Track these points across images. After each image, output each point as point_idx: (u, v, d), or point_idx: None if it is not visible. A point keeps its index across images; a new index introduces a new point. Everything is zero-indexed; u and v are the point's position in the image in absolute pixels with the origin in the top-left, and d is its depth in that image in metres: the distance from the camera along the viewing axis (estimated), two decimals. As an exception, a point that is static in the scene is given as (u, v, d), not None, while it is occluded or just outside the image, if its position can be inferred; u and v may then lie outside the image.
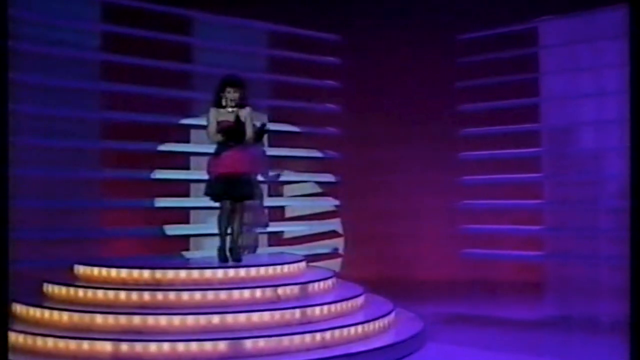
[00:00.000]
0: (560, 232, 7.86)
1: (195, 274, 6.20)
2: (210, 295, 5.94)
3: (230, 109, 6.59)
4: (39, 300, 6.10)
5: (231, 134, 6.56)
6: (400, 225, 9.62)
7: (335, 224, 9.49)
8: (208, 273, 6.23)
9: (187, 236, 7.95)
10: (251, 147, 6.75)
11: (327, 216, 9.46)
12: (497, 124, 8.38)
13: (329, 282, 6.75)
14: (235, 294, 6.01)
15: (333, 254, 9.38)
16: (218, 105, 6.62)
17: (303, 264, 6.98)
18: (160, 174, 7.78)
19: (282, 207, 9.09)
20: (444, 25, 8.96)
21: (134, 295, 5.89)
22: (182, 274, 6.18)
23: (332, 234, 9.50)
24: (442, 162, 9.10)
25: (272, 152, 8.53)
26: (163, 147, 7.78)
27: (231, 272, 6.30)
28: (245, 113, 6.65)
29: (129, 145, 7.65)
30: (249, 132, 6.66)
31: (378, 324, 6.29)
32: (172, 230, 7.85)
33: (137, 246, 7.66)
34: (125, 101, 7.56)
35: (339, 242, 9.52)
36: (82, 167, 7.38)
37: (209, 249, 7.16)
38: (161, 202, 7.81)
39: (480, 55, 8.32)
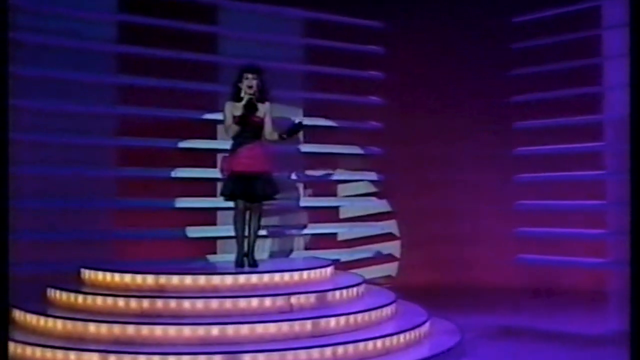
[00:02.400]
0: (625, 237, 7.14)
1: (202, 280, 5.88)
2: (214, 303, 5.60)
3: (246, 98, 6.29)
4: (43, 305, 5.92)
5: (244, 121, 6.25)
6: (454, 227, 9.09)
7: (389, 226, 9.05)
8: (216, 279, 5.90)
9: (214, 239, 7.66)
10: (270, 144, 6.46)
11: (381, 218, 9.04)
12: (556, 115, 7.87)
13: (355, 290, 6.30)
14: (242, 302, 5.64)
15: (380, 258, 8.91)
16: (236, 98, 6.35)
17: (329, 270, 6.57)
18: (181, 173, 7.52)
19: (335, 208, 8.75)
20: (497, 7, 8.43)
21: (133, 303, 5.62)
22: (188, 280, 5.87)
23: (388, 237, 9.07)
24: (496, 159, 8.55)
25: (307, 149, 8.24)
26: (185, 144, 7.53)
27: (241, 279, 5.95)
28: (264, 108, 6.37)
29: (148, 142, 7.42)
30: (268, 128, 6.39)
31: (404, 337, 5.80)
32: (194, 232, 7.58)
33: (160, 249, 7.38)
34: (143, 95, 7.34)
35: (394, 245, 9.08)
36: (98, 166, 7.21)
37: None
38: (183, 203, 7.56)
39: (537, 39, 7.81)
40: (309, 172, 8.35)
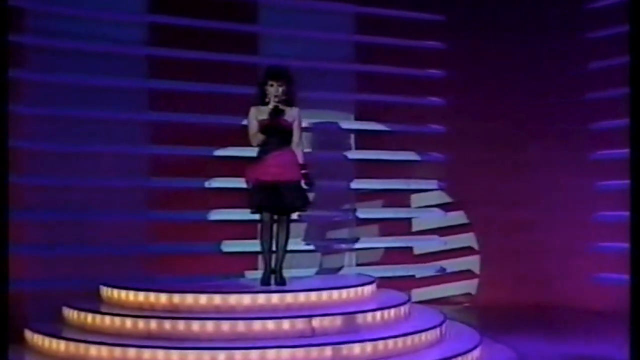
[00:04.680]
0: None
1: (217, 299, 5.60)
2: (226, 325, 5.29)
3: (272, 105, 6.06)
4: (58, 324, 5.79)
5: (271, 129, 6.00)
6: (531, 240, 8.44)
7: (468, 239, 8.53)
8: (233, 299, 5.60)
9: (253, 253, 7.35)
10: (299, 151, 6.16)
11: (458, 230, 8.54)
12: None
13: (392, 311, 5.84)
14: (257, 325, 5.30)
15: (446, 275, 8.39)
16: (261, 102, 6.12)
17: (367, 288, 6.17)
18: (217, 183, 7.28)
19: (409, 220, 8.34)
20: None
21: (141, 323, 5.39)
22: (203, 299, 5.61)
23: (466, 251, 8.55)
24: (573, 164, 7.86)
25: (358, 155, 7.88)
26: (221, 152, 7.30)
27: (261, 299, 5.64)
28: (293, 113, 6.11)
29: (181, 151, 7.22)
30: (297, 135, 6.12)
31: (441, 367, 5.33)
32: (230, 246, 7.31)
33: (197, 265, 7.14)
34: (176, 101, 7.17)
35: (473, 260, 8.55)
36: (128, 176, 7.07)
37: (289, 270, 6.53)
38: (219, 215, 7.31)
39: (615, 27, 7.15)
40: (362, 181, 7.96)
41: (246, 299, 5.60)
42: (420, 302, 7.79)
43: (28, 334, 5.67)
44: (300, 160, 6.13)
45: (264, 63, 7.33)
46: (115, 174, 6.99)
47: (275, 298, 5.65)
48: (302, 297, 5.71)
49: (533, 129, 8.35)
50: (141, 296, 5.74)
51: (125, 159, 7.07)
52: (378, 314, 5.71)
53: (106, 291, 6.03)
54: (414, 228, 8.36)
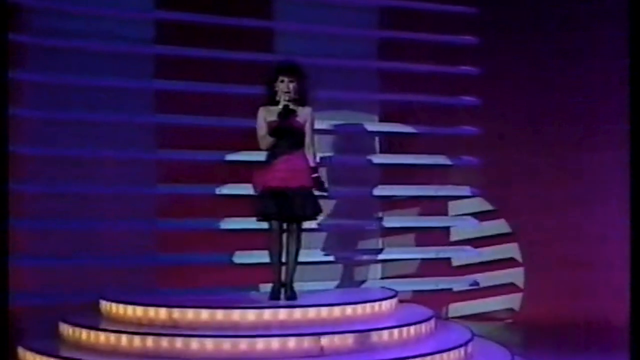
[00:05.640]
0: None
1: (220, 315, 5.31)
2: (227, 344, 4.99)
3: (282, 104, 5.79)
4: (53, 340, 5.56)
5: (281, 132, 5.74)
6: (579, 251, 7.95)
7: (511, 250, 8.13)
8: (236, 314, 5.30)
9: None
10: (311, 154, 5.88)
11: (501, 240, 8.13)
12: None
13: (412, 329, 5.48)
14: (260, 343, 4.98)
15: (481, 288, 7.99)
16: (271, 102, 5.85)
17: (387, 303, 5.83)
18: (229, 189, 6.98)
19: (447, 229, 7.97)
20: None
21: (137, 340, 5.12)
22: (204, 314, 5.32)
23: (509, 262, 8.15)
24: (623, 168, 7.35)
25: (383, 160, 7.55)
26: (233, 157, 7.01)
27: (267, 314, 5.33)
28: (305, 113, 5.83)
29: (190, 155, 6.97)
30: (309, 137, 5.85)
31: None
32: (243, 258, 7.00)
33: (208, 277, 6.86)
34: (185, 102, 6.91)
35: (518, 272, 8.15)
36: (134, 182, 6.81)
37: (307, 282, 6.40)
38: (230, 224, 7.00)
39: None
40: (388, 188, 7.62)
41: (251, 315, 5.30)
42: (457, 318, 7.53)
43: (21, 351, 5.44)
44: (312, 164, 5.85)
45: (277, 61, 7.11)
46: (119, 180, 6.74)
47: (282, 314, 5.34)
48: (311, 312, 5.39)
49: (579, 130, 7.88)
50: (139, 311, 5.48)
51: (130, 164, 6.81)
52: (395, 331, 5.34)
53: (105, 305, 5.79)
54: (452, 238, 7.96)
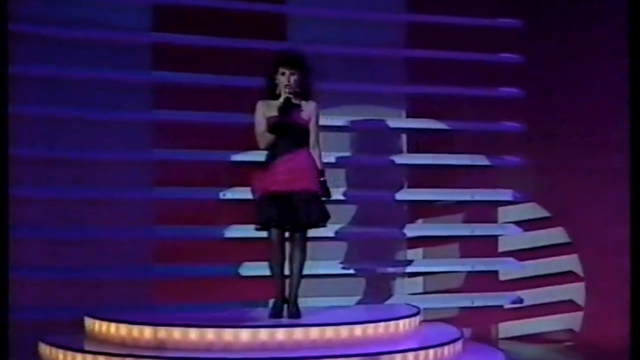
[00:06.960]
0: None
1: (210, 334, 4.89)
2: (216, 368, 4.56)
3: (282, 98, 5.47)
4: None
5: (282, 128, 5.42)
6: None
7: (570, 262, 7.54)
8: (228, 334, 4.87)
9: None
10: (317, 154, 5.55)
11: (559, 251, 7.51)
12: None
13: (431, 352, 5.01)
14: (254, 367, 4.55)
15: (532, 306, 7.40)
16: (271, 96, 5.55)
17: (404, 323, 5.38)
18: (233, 194, 6.57)
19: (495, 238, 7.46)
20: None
21: (116, 364, 4.73)
22: (193, 334, 4.92)
23: (568, 277, 7.58)
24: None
25: (411, 160, 7.09)
26: (239, 157, 6.62)
27: (263, 334, 4.89)
28: (309, 108, 5.51)
29: (192, 156, 6.60)
30: (314, 135, 5.51)
31: None
32: (251, 269, 6.51)
33: (213, 290, 6.45)
34: (186, 97, 6.58)
35: (577, 289, 7.58)
36: (130, 186, 6.45)
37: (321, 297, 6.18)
38: (235, 232, 6.55)
39: None
40: (416, 192, 7.15)
41: (244, 335, 4.87)
42: (508, 339, 7.10)
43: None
44: (320, 166, 5.49)
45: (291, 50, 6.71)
46: (113, 183, 6.38)
47: (280, 333, 4.90)
48: (314, 332, 4.94)
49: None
50: (123, 329, 5.11)
51: (125, 166, 6.44)
52: (411, 355, 4.85)
53: (89, 323, 5.46)
54: (500, 249, 7.46)
